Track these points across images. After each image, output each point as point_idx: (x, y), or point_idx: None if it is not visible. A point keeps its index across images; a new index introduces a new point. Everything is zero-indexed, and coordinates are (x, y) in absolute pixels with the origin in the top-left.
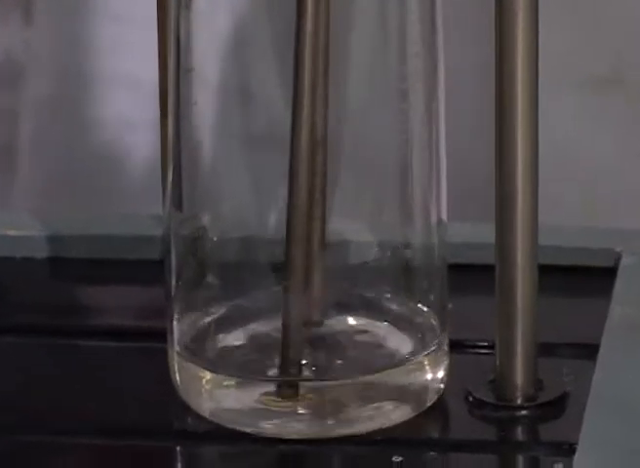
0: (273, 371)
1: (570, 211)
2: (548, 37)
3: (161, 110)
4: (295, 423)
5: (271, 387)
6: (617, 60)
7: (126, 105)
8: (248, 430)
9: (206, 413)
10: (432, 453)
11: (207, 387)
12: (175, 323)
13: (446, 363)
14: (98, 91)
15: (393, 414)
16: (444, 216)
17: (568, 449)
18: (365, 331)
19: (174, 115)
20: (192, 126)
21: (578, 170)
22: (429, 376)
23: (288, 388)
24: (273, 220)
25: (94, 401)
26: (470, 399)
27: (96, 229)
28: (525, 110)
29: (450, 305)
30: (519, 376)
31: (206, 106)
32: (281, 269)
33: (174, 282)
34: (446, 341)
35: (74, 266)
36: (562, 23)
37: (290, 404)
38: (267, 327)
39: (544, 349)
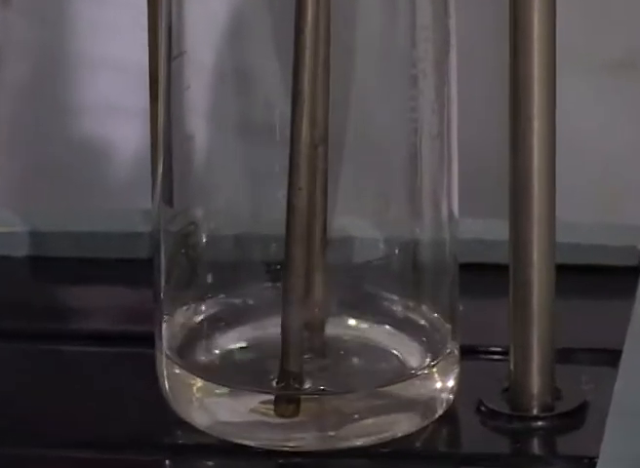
0: (271, 379)
1: (583, 203)
2: (562, 21)
3: (151, 94)
4: (294, 435)
5: (268, 396)
6: (632, 45)
7: (112, 90)
8: (243, 442)
9: (197, 424)
10: None
11: (198, 395)
12: (164, 325)
13: (456, 370)
14: (80, 75)
15: (400, 426)
16: (455, 211)
17: (587, 464)
18: (369, 336)
19: (165, 101)
20: (184, 112)
21: (591, 158)
22: (439, 385)
23: (287, 404)
24: (270, 216)
25: (78, 410)
26: (483, 409)
27: (79, 226)
28: (541, 97)
29: (461, 307)
30: (535, 385)
31: (199, 91)
32: (278, 268)
33: (163, 282)
34: (456, 347)
35: (56, 265)
36: (576, 7)
37: None
38: (264, 330)
39: (562, 355)
